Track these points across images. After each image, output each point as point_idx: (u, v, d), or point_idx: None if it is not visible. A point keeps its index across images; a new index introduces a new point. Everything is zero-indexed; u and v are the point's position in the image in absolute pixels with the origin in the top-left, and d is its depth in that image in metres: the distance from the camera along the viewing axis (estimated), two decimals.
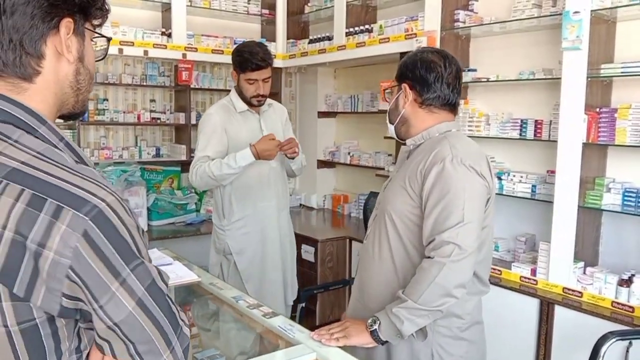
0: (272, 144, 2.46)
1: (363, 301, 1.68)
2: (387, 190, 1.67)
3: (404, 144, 1.72)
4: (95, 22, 0.86)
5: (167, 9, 4.06)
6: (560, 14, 2.59)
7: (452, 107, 1.65)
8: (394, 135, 1.74)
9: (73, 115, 0.86)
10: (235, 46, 2.64)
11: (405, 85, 1.63)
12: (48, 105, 0.79)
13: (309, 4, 4.54)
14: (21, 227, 0.67)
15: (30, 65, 0.76)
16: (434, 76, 1.58)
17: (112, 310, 0.72)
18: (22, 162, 0.69)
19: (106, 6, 0.87)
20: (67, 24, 0.78)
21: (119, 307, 0.72)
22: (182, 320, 0.82)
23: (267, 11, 4.57)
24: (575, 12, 2.45)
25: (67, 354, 0.75)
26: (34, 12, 0.74)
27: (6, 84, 0.76)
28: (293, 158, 2.62)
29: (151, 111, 4.20)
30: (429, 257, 1.46)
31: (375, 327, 1.48)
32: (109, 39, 0.91)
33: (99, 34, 0.88)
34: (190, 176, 2.56)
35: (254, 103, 2.59)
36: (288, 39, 4.58)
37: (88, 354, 0.79)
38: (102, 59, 0.92)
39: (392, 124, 1.70)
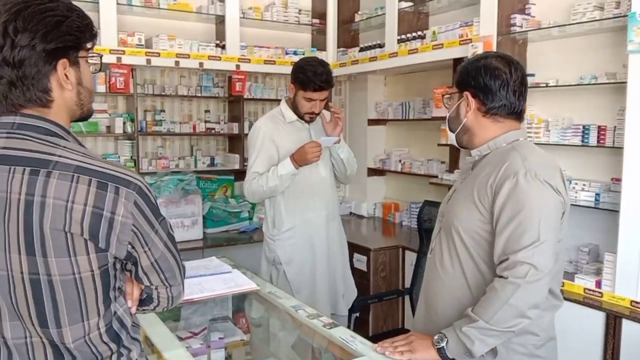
0: (307, 145, 2.48)
1: (429, 316, 1.64)
2: (452, 203, 1.62)
3: (465, 151, 1.67)
4: (88, 45, 1.09)
5: (220, 21, 4.16)
6: (624, 16, 2.49)
7: (518, 115, 1.58)
8: (455, 144, 1.68)
9: (82, 119, 1.15)
10: (296, 60, 2.63)
11: (467, 94, 1.57)
12: (64, 119, 1.07)
13: (359, 12, 4.55)
14: (97, 203, 0.98)
15: (45, 97, 1.02)
16: (499, 84, 1.52)
17: (154, 251, 1.08)
18: (80, 161, 0.99)
19: (94, 31, 1.09)
20: (62, 64, 1.03)
21: (156, 248, 1.08)
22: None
23: (317, 21, 4.61)
24: None
25: (115, 288, 1.09)
26: (37, 62, 0.99)
27: (36, 111, 1.03)
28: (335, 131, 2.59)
29: (206, 121, 4.30)
30: (501, 277, 1.41)
31: (443, 344, 1.45)
32: (100, 56, 1.14)
33: (92, 55, 1.11)
34: (246, 194, 2.63)
35: (306, 119, 2.61)
36: (338, 47, 4.61)
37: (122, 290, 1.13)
38: (98, 71, 1.16)
39: (453, 132, 1.65)
